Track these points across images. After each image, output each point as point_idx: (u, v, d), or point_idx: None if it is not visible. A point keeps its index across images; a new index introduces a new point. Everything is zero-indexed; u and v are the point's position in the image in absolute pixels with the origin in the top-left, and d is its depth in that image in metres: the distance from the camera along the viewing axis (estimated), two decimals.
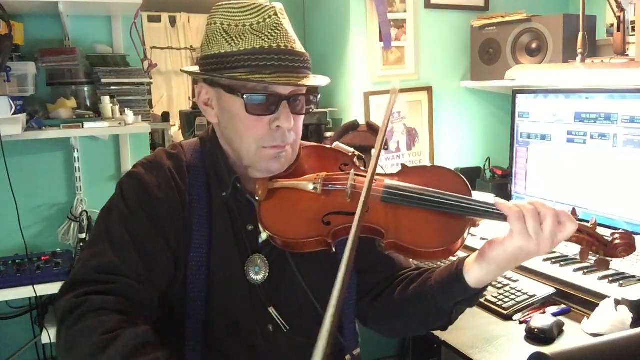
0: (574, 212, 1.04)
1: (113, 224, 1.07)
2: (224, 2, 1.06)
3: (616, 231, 1.03)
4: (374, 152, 1.05)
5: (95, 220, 2.21)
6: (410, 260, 1.27)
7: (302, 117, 1.13)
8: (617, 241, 1.01)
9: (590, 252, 1.02)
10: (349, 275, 0.84)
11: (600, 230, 1.03)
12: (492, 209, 1.01)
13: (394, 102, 1.13)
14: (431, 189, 1.05)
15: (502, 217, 1.00)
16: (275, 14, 1.05)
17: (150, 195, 1.10)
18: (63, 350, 0.95)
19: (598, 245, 1.01)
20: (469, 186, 1.09)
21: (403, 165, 1.15)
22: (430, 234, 1.02)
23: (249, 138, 1.09)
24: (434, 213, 1.03)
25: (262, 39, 1.03)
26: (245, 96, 1.05)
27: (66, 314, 0.96)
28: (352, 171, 1.11)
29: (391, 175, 1.12)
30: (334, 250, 1.04)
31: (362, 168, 1.16)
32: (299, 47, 1.07)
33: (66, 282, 1.03)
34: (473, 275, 1.04)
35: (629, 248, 1.00)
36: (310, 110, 1.13)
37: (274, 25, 1.04)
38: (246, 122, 1.07)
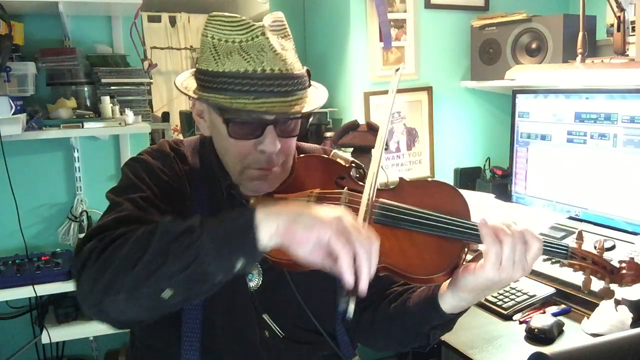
0: (580, 235, 1.00)
1: (124, 193, 1.04)
2: (218, 14, 1.04)
3: (624, 260, 0.99)
4: (367, 180, 1.01)
5: (95, 220, 2.22)
6: None
7: (294, 137, 1.10)
8: (625, 270, 0.97)
9: (595, 279, 0.98)
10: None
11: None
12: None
13: (397, 80, 1.11)
14: (427, 211, 1.00)
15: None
16: (263, 33, 1.00)
17: (157, 177, 1.09)
18: (94, 283, 0.85)
19: (603, 272, 0.97)
20: (468, 206, 1.04)
21: (401, 179, 1.11)
22: (423, 258, 0.98)
23: (235, 158, 1.08)
24: (429, 236, 0.99)
25: (248, 61, 0.99)
26: (228, 120, 1.03)
27: (91, 253, 0.89)
28: (346, 189, 1.07)
29: (386, 192, 1.08)
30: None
31: (360, 182, 1.12)
32: (290, 66, 1.02)
33: (87, 232, 0.96)
34: (447, 302, 1.03)
35: (637, 278, 0.96)
36: (304, 130, 1.10)
37: (261, 46, 0.99)
38: (232, 143, 1.06)
